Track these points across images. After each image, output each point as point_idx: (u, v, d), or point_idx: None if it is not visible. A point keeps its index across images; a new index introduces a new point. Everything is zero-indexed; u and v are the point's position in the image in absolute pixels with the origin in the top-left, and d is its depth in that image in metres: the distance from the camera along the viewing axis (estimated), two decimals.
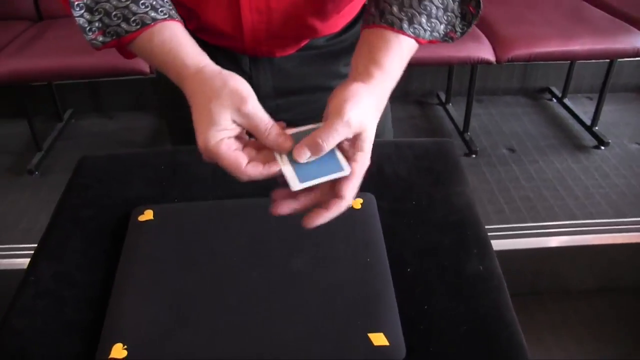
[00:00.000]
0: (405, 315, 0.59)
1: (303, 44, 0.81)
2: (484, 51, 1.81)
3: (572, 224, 1.65)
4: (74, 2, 0.61)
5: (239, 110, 0.54)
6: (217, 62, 0.67)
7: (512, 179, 1.96)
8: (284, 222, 0.64)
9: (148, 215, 0.73)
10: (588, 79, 2.49)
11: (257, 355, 0.56)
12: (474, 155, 2.09)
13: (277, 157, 0.55)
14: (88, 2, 0.61)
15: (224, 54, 0.80)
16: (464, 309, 0.60)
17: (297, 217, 0.57)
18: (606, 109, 2.32)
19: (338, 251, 0.66)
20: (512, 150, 2.14)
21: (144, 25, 0.61)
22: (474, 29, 2.03)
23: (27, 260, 0.71)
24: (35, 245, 0.72)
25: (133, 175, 0.82)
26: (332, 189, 0.55)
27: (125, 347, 0.57)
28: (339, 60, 0.85)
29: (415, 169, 0.81)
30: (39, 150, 2.18)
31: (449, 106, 2.43)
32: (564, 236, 1.59)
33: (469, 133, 2.18)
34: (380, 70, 0.60)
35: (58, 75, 1.99)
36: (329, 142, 0.53)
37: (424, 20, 0.63)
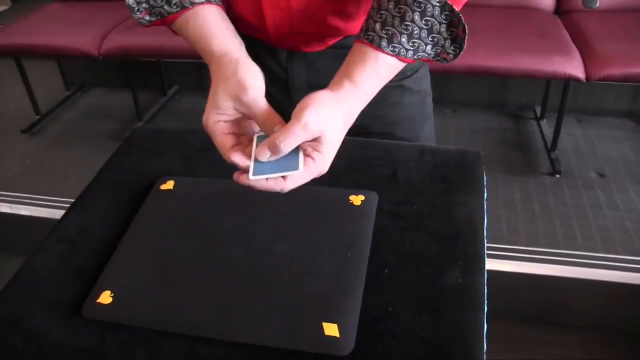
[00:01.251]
0: (367, 313, 0.60)
1: (331, 42, 0.83)
2: (574, 67, 1.71)
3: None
4: (142, 19, 0.70)
5: (239, 98, 0.61)
6: (257, 53, 0.73)
7: (594, 205, 1.83)
8: (283, 207, 0.72)
9: (169, 185, 0.80)
10: None
11: (216, 322, 0.60)
12: (557, 176, 1.98)
13: (254, 148, 0.59)
14: (148, 5, 0.69)
15: (262, 46, 0.85)
16: (428, 317, 0.60)
17: (298, 205, 0.68)
18: None
19: (324, 242, 0.69)
20: (601, 175, 2.00)
21: (183, 7, 0.69)
22: (568, 42, 1.93)
23: None
24: None
25: (169, 149, 0.90)
26: None
27: (112, 294, 0.63)
28: None
29: (429, 176, 0.80)
30: (140, 120, 2.37)
31: (543, 122, 2.32)
32: (633, 273, 1.47)
33: (556, 152, 2.06)
34: (352, 84, 0.63)
35: (165, 54, 2.14)
36: (286, 144, 0.57)
37: (404, 39, 0.64)
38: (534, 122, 2.36)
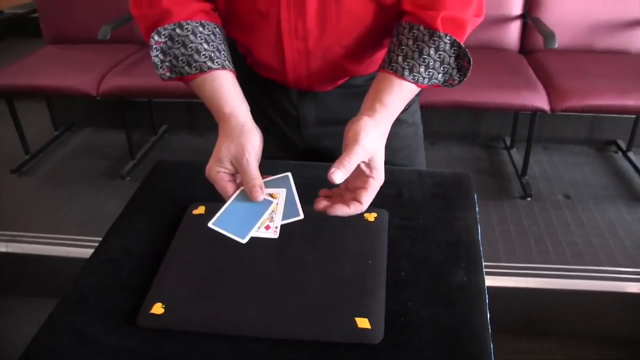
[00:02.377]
0: (390, 308, 0.69)
1: (340, 82, 0.94)
2: (539, 100, 1.87)
3: (613, 270, 1.66)
4: (152, 45, 0.81)
5: (237, 160, 0.75)
6: (271, 95, 0.84)
7: (563, 223, 1.98)
8: (309, 226, 0.80)
9: (201, 210, 0.88)
10: None
11: (260, 321, 0.68)
12: (529, 199, 2.13)
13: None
14: (163, 47, 0.81)
15: (276, 87, 0.96)
16: (442, 309, 0.70)
17: (320, 223, 0.77)
18: None
19: (347, 252, 0.78)
20: (567, 196, 2.15)
21: (201, 71, 0.80)
22: (533, 78, 2.10)
23: None
24: None
25: (195, 179, 0.98)
26: (354, 198, 0.72)
27: (164, 306, 0.71)
28: None
29: (430, 195, 0.91)
30: (132, 158, 2.44)
31: (513, 151, 2.48)
32: (602, 281, 1.60)
33: (526, 177, 2.21)
34: (384, 107, 0.76)
35: (159, 93, 2.24)
36: (352, 163, 0.69)
37: (422, 70, 0.77)
38: (505, 152, 2.52)
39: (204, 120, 2.65)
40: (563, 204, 2.11)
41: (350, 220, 0.83)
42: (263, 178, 0.76)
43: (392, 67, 0.77)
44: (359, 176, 0.74)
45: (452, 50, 0.78)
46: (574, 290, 1.64)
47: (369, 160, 0.72)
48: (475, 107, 1.93)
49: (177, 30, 0.80)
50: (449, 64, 0.79)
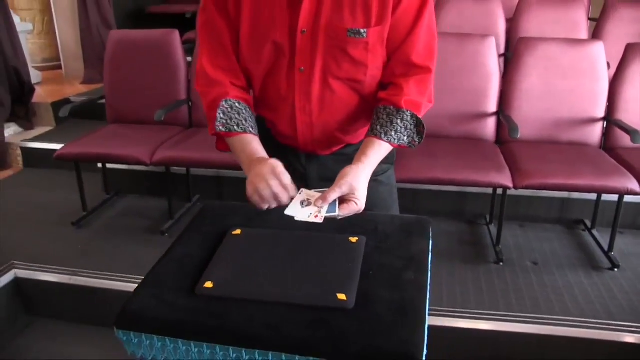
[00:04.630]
0: (361, 292, 1.03)
1: (335, 149, 1.33)
2: (505, 179, 2.24)
3: (564, 318, 1.97)
4: (219, 106, 1.22)
5: (275, 171, 1.11)
6: (286, 157, 1.26)
7: (528, 284, 2.27)
8: (310, 243, 1.14)
9: (238, 231, 1.23)
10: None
11: (278, 293, 1.02)
12: (501, 263, 2.44)
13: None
14: (225, 110, 1.22)
15: (291, 151, 1.35)
16: (396, 293, 1.02)
17: (320, 242, 1.16)
18: (631, 241, 2.65)
19: (336, 259, 1.12)
20: (535, 263, 2.46)
21: (245, 131, 1.21)
22: (502, 162, 2.51)
23: None
24: None
25: (233, 214, 1.34)
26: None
27: (213, 283, 1.06)
28: None
29: (398, 229, 1.26)
30: (171, 218, 2.83)
31: (492, 226, 2.81)
32: (554, 327, 1.91)
33: (500, 246, 2.53)
34: (367, 158, 1.15)
35: (195, 164, 2.66)
36: (331, 196, 1.08)
37: (393, 133, 1.17)
38: (485, 227, 2.85)
39: (230, 191, 3.06)
40: (530, 269, 2.42)
41: (339, 241, 1.20)
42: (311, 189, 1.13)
43: (373, 132, 1.18)
44: (347, 201, 1.11)
45: (412, 121, 1.19)
46: (530, 334, 1.94)
47: (351, 191, 1.10)
48: (451, 183, 2.31)
49: (236, 104, 1.22)
50: (411, 129, 1.19)
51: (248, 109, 1.25)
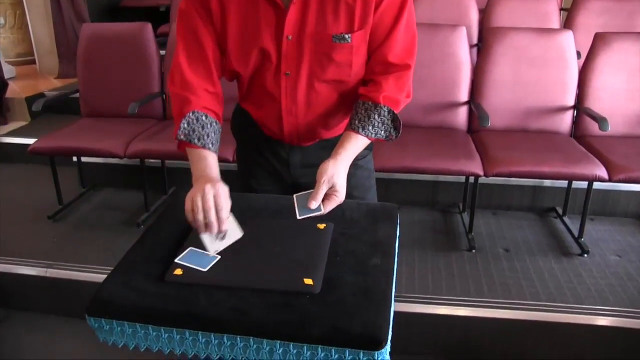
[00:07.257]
0: (327, 276, 1.05)
1: (318, 139, 1.37)
2: (475, 167, 2.28)
3: (534, 303, 2.02)
4: (185, 115, 1.22)
5: (216, 191, 1.11)
6: (270, 145, 1.33)
7: (499, 269, 2.33)
8: (280, 230, 1.17)
9: None
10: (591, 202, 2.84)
11: (246, 278, 1.04)
12: (473, 250, 2.49)
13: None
14: (190, 121, 1.22)
15: (275, 141, 1.38)
16: (361, 277, 1.05)
17: (288, 228, 1.18)
18: (600, 227, 2.71)
19: (304, 244, 1.14)
20: (507, 250, 2.52)
21: (204, 147, 1.22)
22: (473, 151, 2.56)
23: None
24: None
25: None
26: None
27: (182, 271, 1.07)
28: None
29: (364, 215, 1.29)
30: (147, 211, 2.83)
31: (464, 214, 2.86)
32: (525, 311, 1.96)
33: (472, 234, 2.58)
34: (345, 151, 1.18)
35: (170, 156, 2.65)
36: (319, 195, 1.12)
37: (370, 128, 1.20)
38: (458, 215, 2.90)
39: None
40: (502, 255, 2.47)
41: (307, 227, 1.22)
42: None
43: (351, 126, 1.22)
44: (329, 196, 1.14)
45: (389, 116, 1.22)
46: (500, 319, 1.99)
47: (332, 186, 1.13)
48: (423, 171, 2.34)
49: (202, 117, 1.23)
50: (387, 124, 1.23)
51: (214, 124, 1.26)
